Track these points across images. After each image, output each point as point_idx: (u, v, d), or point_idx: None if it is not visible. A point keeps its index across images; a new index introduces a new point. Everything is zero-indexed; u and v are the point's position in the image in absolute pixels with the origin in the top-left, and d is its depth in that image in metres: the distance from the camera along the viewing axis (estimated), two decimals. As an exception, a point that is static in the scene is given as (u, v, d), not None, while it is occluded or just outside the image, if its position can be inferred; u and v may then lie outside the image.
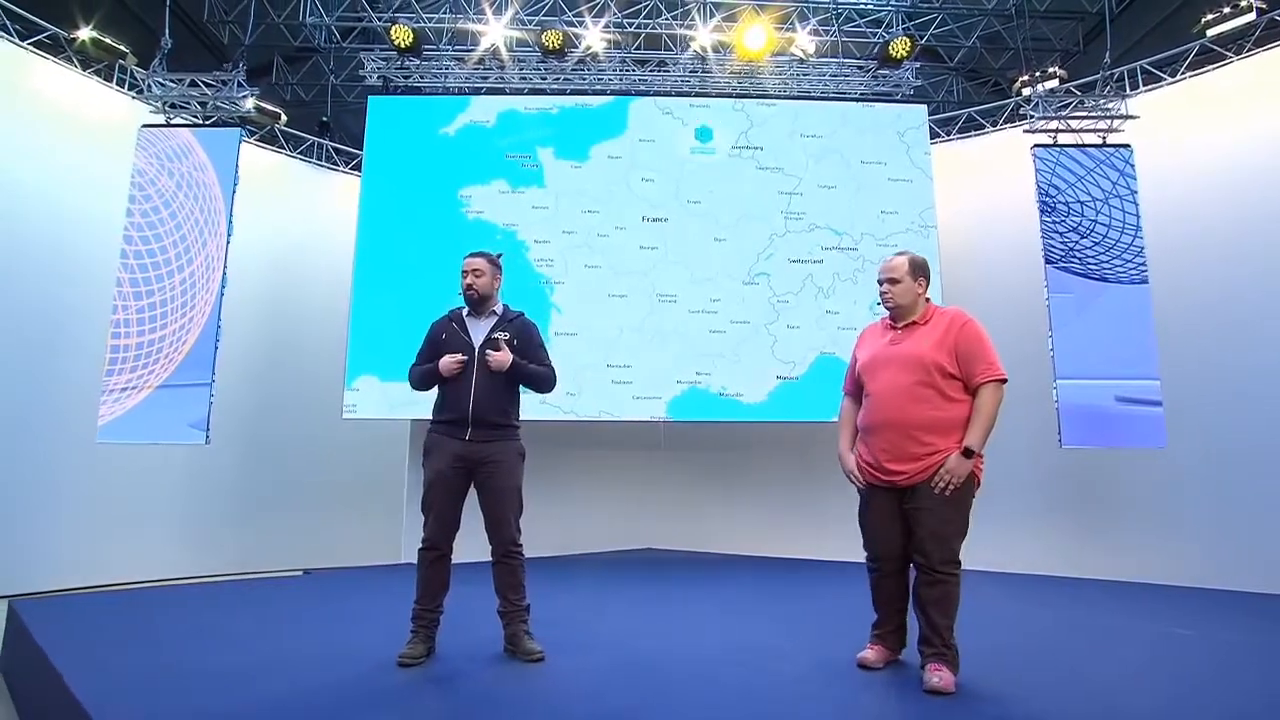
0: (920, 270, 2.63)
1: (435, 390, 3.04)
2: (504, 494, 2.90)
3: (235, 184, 5.44)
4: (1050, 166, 5.86)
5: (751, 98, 7.17)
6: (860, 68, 7.18)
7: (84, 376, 5.24)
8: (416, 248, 6.63)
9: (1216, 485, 5.40)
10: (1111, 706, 2.33)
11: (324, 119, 7.88)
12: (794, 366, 6.56)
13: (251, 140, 7.12)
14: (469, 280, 3.02)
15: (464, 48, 7.23)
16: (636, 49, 7.55)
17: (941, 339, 2.50)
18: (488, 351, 2.88)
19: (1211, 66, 6.11)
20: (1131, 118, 5.92)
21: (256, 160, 7.05)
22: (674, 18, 7.40)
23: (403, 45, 6.60)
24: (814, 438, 7.04)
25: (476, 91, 7.28)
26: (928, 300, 2.65)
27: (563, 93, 7.26)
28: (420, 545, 2.88)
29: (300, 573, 5.65)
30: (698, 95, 7.20)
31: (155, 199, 5.48)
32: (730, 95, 7.23)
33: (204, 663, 2.68)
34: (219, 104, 5.59)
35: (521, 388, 3.10)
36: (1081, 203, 5.76)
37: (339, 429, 6.16)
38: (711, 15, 7.12)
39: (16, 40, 5.80)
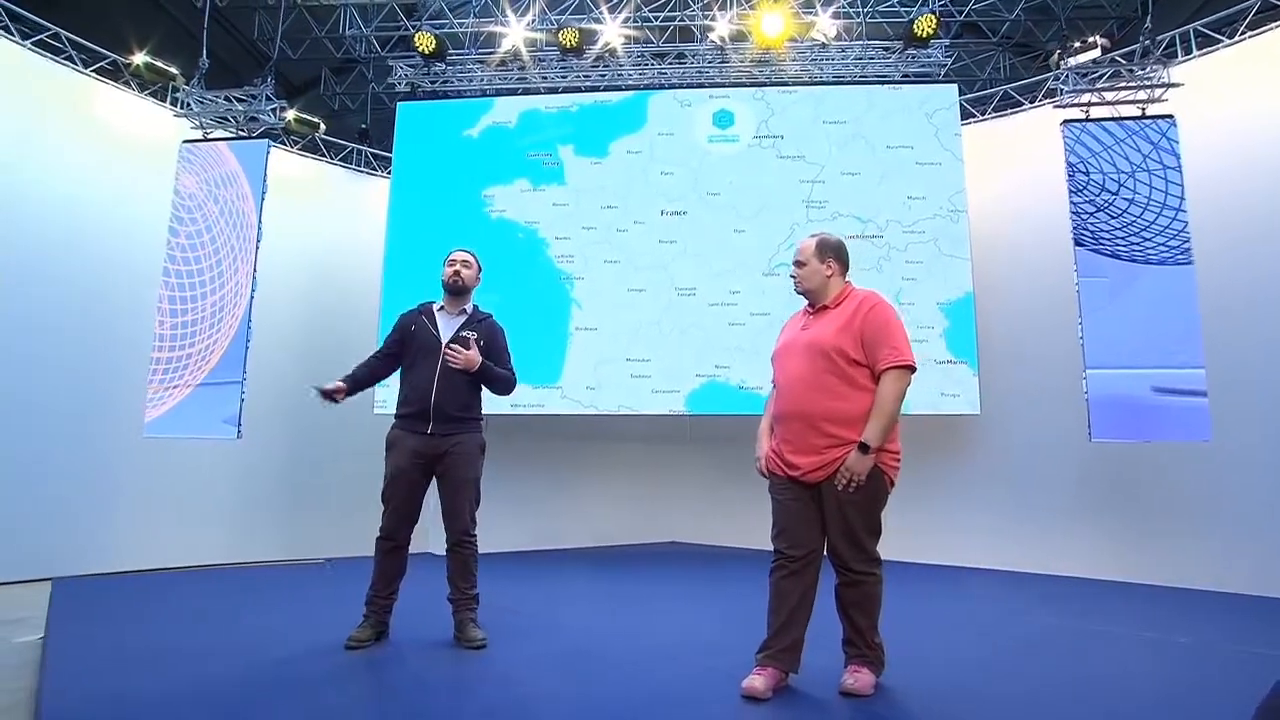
0: (830, 251, 2.52)
1: (397, 382, 3.17)
2: (461, 485, 3.00)
3: (264, 192, 5.77)
4: (1075, 135, 5.52)
5: (773, 85, 7.05)
6: (887, 49, 6.93)
7: (137, 374, 5.68)
8: (442, 248, 6.83)
9: (1268, 481, 4.97)
10: (1019, 714, 2.23)
11: (363, 126, 8.22)
12: (816, 358, 6.43)
13: (294, 150, 7.53)
14: (456, 268, 3.17)
15: (488, 50, 7.40)
16: (665, 41, 7.54)
17: (847, 323, 2.39)
18: (453, 347, 2.97)
19: (1273, 25, 5.59)
20: (1173, 85, 5.49)
21: (298, 169, 7.46)
22: (700, 8, 7.34)
23: (426, 51, 6.82)
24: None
25: (512, 93, 7.42)
26: (847, 283, 2.55)
27: (594, 89, 7.30)
28: (378, 535, 3.01)
29: (323, 561, 6.00)
30: (717, 86, 7.13)
31: (200, 222, 5.88)
32: (751, 84, 7.12)
33: (178, 641, 2.93)
34: (251, 117, 5.94)
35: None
36: (1106, 174, 5.38)
37: (369, 422, 6.45)
38: (733, 4, 7.03)
39: (80, 69, 6.30)
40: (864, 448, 2.28)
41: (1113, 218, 5.32)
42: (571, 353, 6.65)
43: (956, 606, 4.36)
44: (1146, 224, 5.23)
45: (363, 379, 3.14)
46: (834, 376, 2.35)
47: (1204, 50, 5.86)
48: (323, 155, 7.78)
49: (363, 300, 7.00)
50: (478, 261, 3.24)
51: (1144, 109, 5.54)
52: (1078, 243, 5.42)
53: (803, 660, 2.37)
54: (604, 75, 7.41)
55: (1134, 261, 5.27)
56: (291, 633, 3.16)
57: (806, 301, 2.58)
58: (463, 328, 3.11)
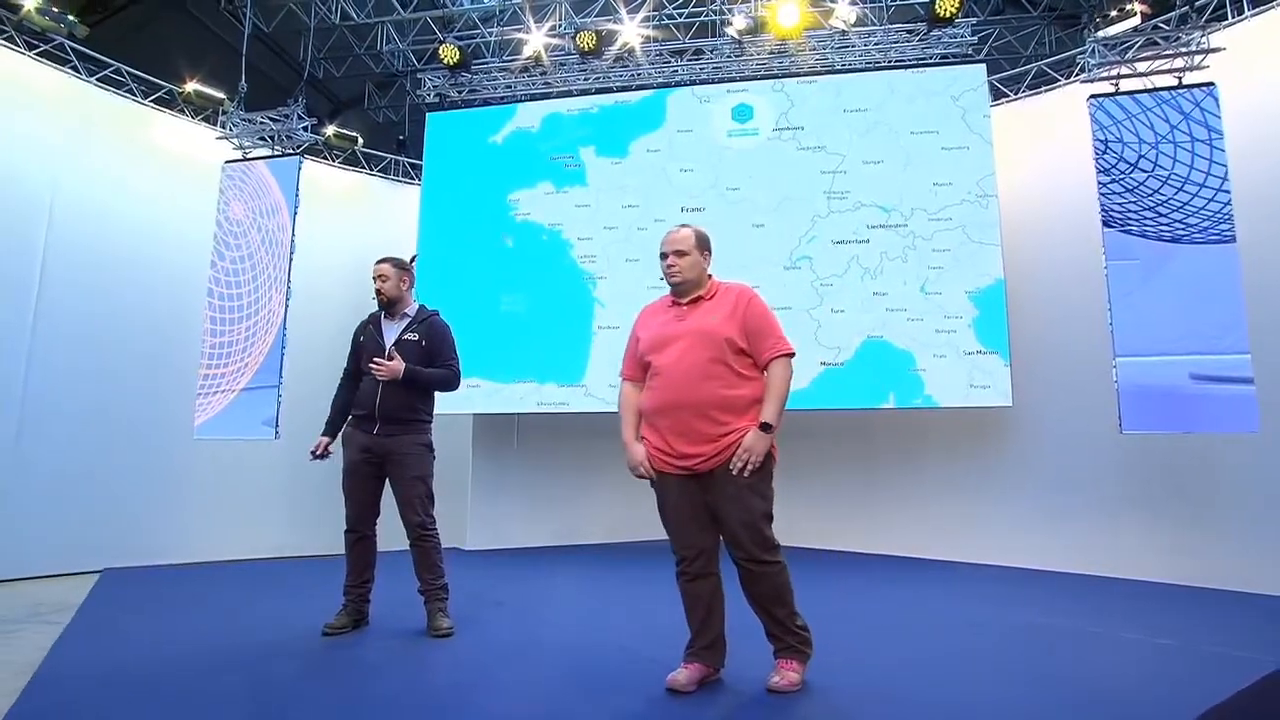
0: (705, 244, 2.57)
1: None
2: (407, 484, 3.15)
3: (296, 206, 6.12)
4: (1098, 103, 5.24)
5: (792, 76, 6.95)
6: (910, 32, 6.72)
7: (187, 382, 6.13)
8: (471, 252, 7.10)
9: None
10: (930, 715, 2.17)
11: (400, 137, 8.56)
12: (839, 352, 6.33)
13: (336, 164, 7.93)
14: (377, 285, 3.32)
15: (514, 58, 7.58)
16: (690, 38, 7.54)
17: (730, 314, 2.42)
18: (377, 361, 3.12)
19: (1334, -22, 5.15)
20: (1214, 51, 5.12)
21: (340, 182, 7.87)
22: (721, 3, 7.30)
23: (451, 63, 7.05)
24: (861, 426, 6.77)
25: (541, 97, 7.57)
26: (710, 275, 2.57)
27: (625, 88, 7.38)
28: (345, 529, 3.19)
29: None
30: (735, 80, 7.09)
31: (244, 248, 6.28)
32: (769, 76, 7.04)
33: (182, 626, 3.20)
34: (285, 136, 6.30)
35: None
36: (1126, 143, 5.09)
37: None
38: (752, -5, 6.96)
39: (139, 99, 6.82)
40: (766, 427, 2.32)
41: (1128, 190, 5.02)
42: (595, 351, 6.76)
43: (943, 605, 4.20)
44: (1166, 198, 4.91)
45: (341, 412, 3.32)
46: (723, 366, 2.38)
47: (1256, 10, 5.44)
48: (363, 167, 8.16)
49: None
50: (396, 268, 3.33)
51: (1180, 78, 5.19)
52: (1106, 223, 5.14)
53: (729, 654, 2.40)
54: (628, 75, 7.46)
55: (1168, 241, 4.96)
56: (288, 620, 3.39)
57: (671, 293, 2.57)
58: (405, 331, 3.26)
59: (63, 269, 5.85)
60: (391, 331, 3.30)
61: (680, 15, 7.40)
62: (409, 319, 3.34)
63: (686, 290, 2.54)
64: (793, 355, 2.43)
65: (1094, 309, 5.44)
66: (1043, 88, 6.58)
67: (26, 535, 5.26)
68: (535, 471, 7.30)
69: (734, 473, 2.31)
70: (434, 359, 3.26)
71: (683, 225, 2.61)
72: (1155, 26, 5.75)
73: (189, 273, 6.46)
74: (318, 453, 3.25)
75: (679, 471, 2.41)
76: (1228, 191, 4.83)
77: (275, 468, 6.52)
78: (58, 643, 2.77)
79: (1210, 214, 4.83)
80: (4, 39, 6.05)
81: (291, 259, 6.02)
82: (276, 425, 5.72)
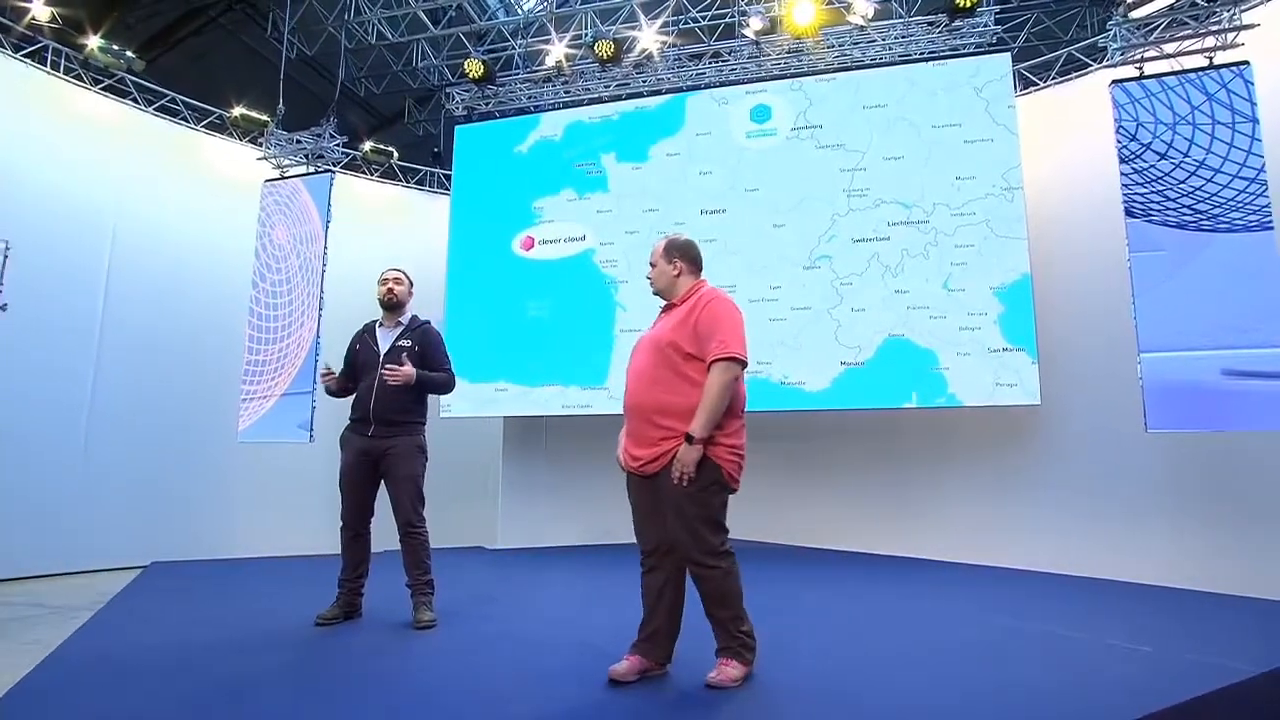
0: (676, 251, 2.60)
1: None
2: (400, 481, 3.32)
3: (329, 220, 6.45)
4: (1119, 87, 5.04)
5: (810, 75, 6.89)
6: (931, 24, 6.57)
7: (231, 390, 6.55)
8: (498, 259, 7.31)
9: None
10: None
11: (435, 150, 8.87)
12: (859, 351, 6.25)
13: (374, 178, 8.30)
14: (389, 286, 3.51)
15: (538, 68, 7.76)
16: (710, 40, 7.56)
17: (685, 318, 2.44)
18: (389, 368, 3.30)
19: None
20: (1248, 27, 4.84)
21: (377, 195, 8.22)
22: (740, 6, 7.29)
23: (475, 77, 7.28)
24: (884, 427, 6.65)
25: (574, 105, 7.71)
26: (700, 281, 2.61)
27: (636, 95, 7.48)
28: (340, 526, 3.38)
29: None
30: (753, 81, 7.07)
31: (283, 272, 6.65)
32: (788, 76, 7.00)
33: (194, 613, 3.45)
34: (318, 154, 6.64)
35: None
36: (1142, 123, 4.86)
37: (434, 425, 7.01)
38: (766, -3, 6.94)
39: (192, 125, 7.32)
40: (689, 438, 2.31)
41: (1140, 170, 4.80)
42: (617, 354, 6.85)
43: (938, 606, 4.08)
44: (1179, 180, 4.67)
45: (341, 387, 3.54)
46: (668, 370, 2.41)
47: (1301, -18, 5.12)
48: (400, 180, 8.50)
49: (427, 312, 7.56)
50: (409, 278, 3.53)
51: (1211, 58, 4.93)
52: (1129, 213, 4.93)
53: (682, 652, 2.45)
54: (650, 81, 7.54)
55: (1197, 230, 4.72)
56: (292, 611, 3.60)
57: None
58: (399, 338, 3.43)
59: (125, 287, 6.35)
60: (386, 339, 3.50)
61: (702, 19, 7.44)
62: (402, 327, 3.53)
63: (664, 298, 2.65)
64: (738, 360, 2.36)
65: (1122, 303, 5.22)
66: (1073, 74, 6.33)
67: (95, 531, 5.78)
68: (564, 472, 7.45)
69: (674, 482, 2.35)
70: (428, 364, 3.44)
71: (664, 235, 2.70)
72: (1193, 3, 5.48)
73: (235, 286, 6.89)
74: (324, 373, 3.50)
75: (634, 471, 2.51)
76: (1246, 178, 4.57)
77: (310, 469, 6.87)
78: (80, 629, 3.06)
79: (1228, 200, 4.58)
80: (72, 76, 6.60)
81: (324, 272, 6.33)
82: (311, 429, 6.03)
